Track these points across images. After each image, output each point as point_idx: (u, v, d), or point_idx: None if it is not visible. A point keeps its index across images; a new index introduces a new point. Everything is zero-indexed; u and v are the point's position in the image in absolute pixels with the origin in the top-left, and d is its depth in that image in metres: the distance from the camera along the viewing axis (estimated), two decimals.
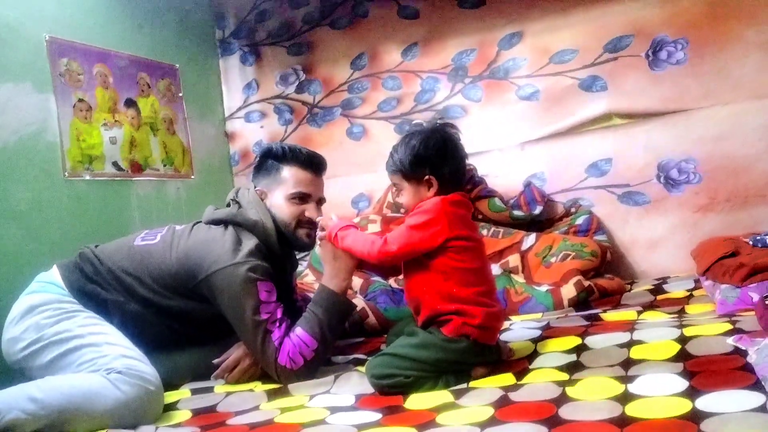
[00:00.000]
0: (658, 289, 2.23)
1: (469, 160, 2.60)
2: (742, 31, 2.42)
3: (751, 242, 2.13)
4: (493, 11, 2.77)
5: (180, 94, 2.94)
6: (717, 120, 2.45)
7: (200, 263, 1.68)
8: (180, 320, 1.76)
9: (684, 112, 2.50)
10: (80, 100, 2.44)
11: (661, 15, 2.52)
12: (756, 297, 1.74)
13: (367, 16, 3.01)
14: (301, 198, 1.81)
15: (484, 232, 2.57)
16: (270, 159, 1.84)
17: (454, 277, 1.52)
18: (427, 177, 1.57)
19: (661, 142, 2.54)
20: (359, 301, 2.21)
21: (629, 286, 2.36)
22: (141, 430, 1.42)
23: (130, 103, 2.67)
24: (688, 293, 2.13)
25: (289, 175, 1.81)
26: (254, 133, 3.20)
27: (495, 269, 2.35)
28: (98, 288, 1.74)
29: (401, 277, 2.35)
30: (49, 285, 1.74)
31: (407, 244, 1.52)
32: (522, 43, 2.74)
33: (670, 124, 2.52)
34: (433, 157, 1.57)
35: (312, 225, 1.81)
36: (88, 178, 2.43)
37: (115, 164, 2.55)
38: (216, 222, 1.78)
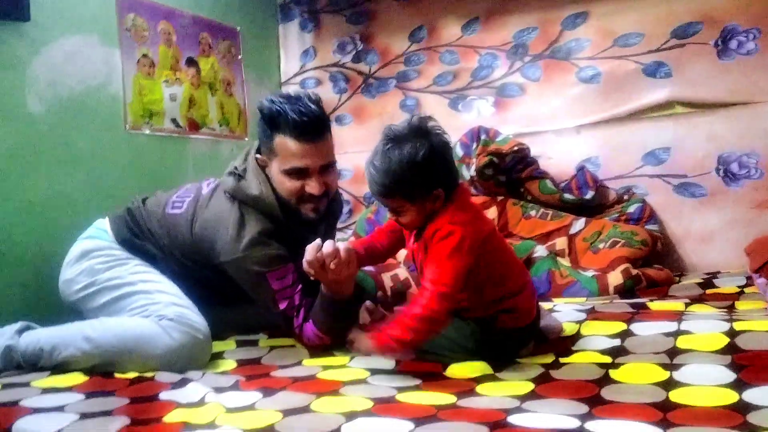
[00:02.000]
0: (707, 283, 2.18)
1: (523, 140, 2.63)
2: None
3: None
4: None
5: (239, 57, 2.98)
6: None
7: (211, 248, 1.65)
8: (222, 281, 1.71)
9: (750, 105, 2.42)
10: (144, 56, 2.49)
11: (734, 3, 2.44)
12: None
13: None
14: (299, 172, 1.62)
15: (533, 213, 2.55)
16: (263, 122, 1.65)
17: (488, 285, 1.43)
18: (436, 192, 1.39)
19: (723, 134, 2.46)
20: (403, 271, 2.22)
21: (678, 278, 2.32)
22: (189, 374, 1.47)
23: (191, 62, 2.71)
24: (739, 289, 2.08)
25: (281, 147, 1.61)
26: None
27: (541, 251, 2.33)
28: (144, 243, 1.77)
29: None
30: (102, 232, 1.80)
31: (455, 276, 1.35)
32: (586, 24, 2.68)
33: (734, 117, 2.44)
34: (441, 169, 1.38)
35: (317, 199, 1.65)
36: (147, 132, 2.49)
37: (173, 121, 2.60)
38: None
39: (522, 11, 2.80)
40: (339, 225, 3.08)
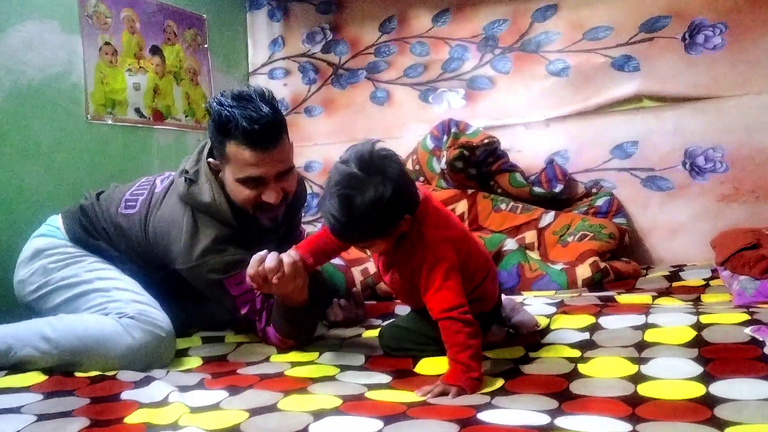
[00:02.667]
0: (674, 276, 2.21)
1: (493, 133, 2.63)
2: None
3: None
4: None
5: (206, 46, 2.91)
6: (749, 110, 2.40)
7: (166, 253, 1.60)
8: (183, 281, 1.64)
9: (716, 99, 2.45)
10: (106, 44, 2.42)
11: None
12: None
13: None
14: (254, 181, 1.53)
15: (503, 206, 2.55)
16: (213, 126, 1.54)
17: (463, 282, 1.37)
18: (404, 219, 1.32)
19: (690, 128, 2.49)
20: (372, 265, 2.20)
21: (645, 271, 2.34)
22: (153, 373, 1.43)
23: (156, 51, 2.64)
24: (705, 282, 2.10)
25: (234, 155, 1.51)
26: (277, 90, 3.15)
27: (510, 244, 2.33)
28: (99, 242, 1.71)
29: None
30: (55, 230, 1.73)
31: (458, 292, 1.32)
32: (556, 17, 2.68)
33: (700, 111, 2.47)
34: (406, 199, 1.31)
35: (274, 207, 1.58)
36: (110, 122, 2.42)
37: (137, 111, 2.54)
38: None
39: (493, 3, 2.79)
40: (309, 218, 3.06)
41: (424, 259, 1.34)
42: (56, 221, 1.76)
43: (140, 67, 2.56)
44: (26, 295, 1.67)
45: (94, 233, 1.71)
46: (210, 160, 1.61)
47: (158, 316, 1.54)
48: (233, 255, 1.55)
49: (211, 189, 1.58)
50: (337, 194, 1.26)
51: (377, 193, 1.25)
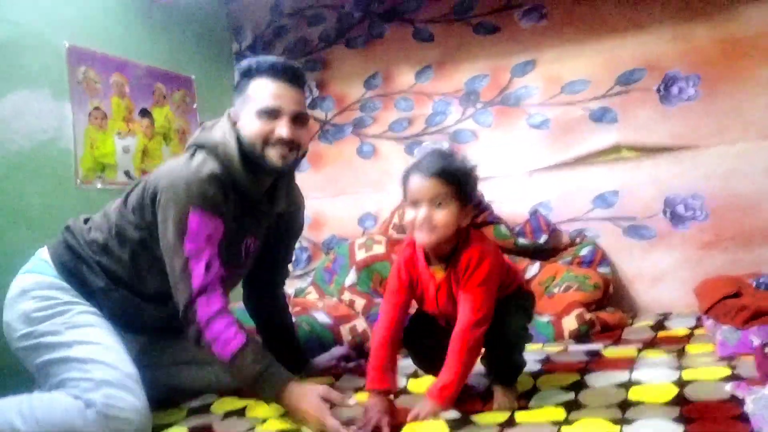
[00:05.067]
0: (659, 325, 2.23)
1: (478, 185, 2.67)
2: (755, 71, 2.44)
3: (754, 284, 2.14)
4: (507, 38, 2.79)
5: (194, 106, 2.98)
6: (725, 158, 2.47)
7: (154, 194, 1.59)
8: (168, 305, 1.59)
9: (693, 149, 2.52)
10: (96, 108, 2.47)
11: (675, 50, 2.54)
12: (757, 341, 1.74)
13: (382, 37, 3.04)
14: (270, 113, 1.59)
15: None
16: (241, 78, 1.65)
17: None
18: (472, 206, 1.47)
19: (668, 177, 2.55)
20: (361, 323, 2.22)
21: (631, 320, 2.37)
22: None
23: (145, 113, 2.70)
24: (690, 331, 2.13)
25: (257, 89, 1.61)
26: None
27: None
28: (82, 267, 1.67)
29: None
30: (42, 263, 1.70)
31: (488, 300, 1.45)
32: (535, 71, 2.76)
33: (678, 160, 2.53)
34: (475, 189, 1.51)
35: (285, 145, 1.60)
36: (99, 186, 2.46)
37: (127, 173, 2.58)
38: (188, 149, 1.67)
39: (472, 59, 2.87)
40: (298, 272, 3.09)
41: (472, 256, 1.43)
42: (43, 254, 1.73)
43: (129, 130, 2.61)
44: (13, 341, 1.65)
45: (80, 253, 1.67)
46: (231, 110, 1.68)
47: (127, 405, 1.48)
48: (214, 197, 1.54)
49: (224, 132, 1.62)
50: (435, 150, 1.51)
51: (470, 165, 1.47)
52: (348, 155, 3.11)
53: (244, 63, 1.66)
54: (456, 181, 1.41)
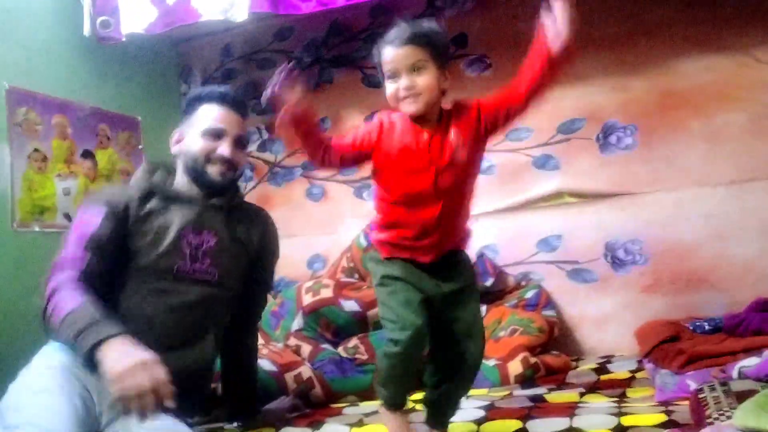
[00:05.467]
0: (602, 369, 2.26)
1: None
2: (689, 122, 2.55)
3: (691, 327, 2.20)
4: (454, 86, 2.85)
5: (140, 147, 2.94)
6: (663, 205, 2.55)
7: None
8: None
9: (632, 195, 2.60)
10: (36, 150, 2.42)
11: (613, 101, 2.64)
12: (693, 385, 1.78)
13: (332, 82, 3.07)
14: (214, 134, 1.71)
15: None
16: (188, 105, 1.79)
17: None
18: (450, 71, 1.45)
19: (609, 223, 2.62)
20: (306, 370, 2.18)
21: (575, 363, 2.39)
22: None
23: (88, 155, 2.65)
24: (631, 374, 2.16)
25: (205, 112, 1.74)
26: None
27: None
28: None
29: (350, 345, 2.37)
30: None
31: None
32: None
33: (618, 206, 2.61)
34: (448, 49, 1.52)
35: (225, 163, 1.71)
36: (37, 229, 2.39)
37: (67, 216, 2.51)
38: None
39: None
40: None
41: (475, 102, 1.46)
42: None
43: (71, 171, 2.55)
44: None
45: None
46: (177, 132, 1.78)
47: None
48: (112, 195, 1.66)
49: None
50: (400, 21, 1.41)
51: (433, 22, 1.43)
52: (297, 197, 3.11)
53: (195, 90, 1.82)
54: (429, 44, 1.39)
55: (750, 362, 1.72)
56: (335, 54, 3.06)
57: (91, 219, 1.60)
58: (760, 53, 2.47)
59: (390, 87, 1.41)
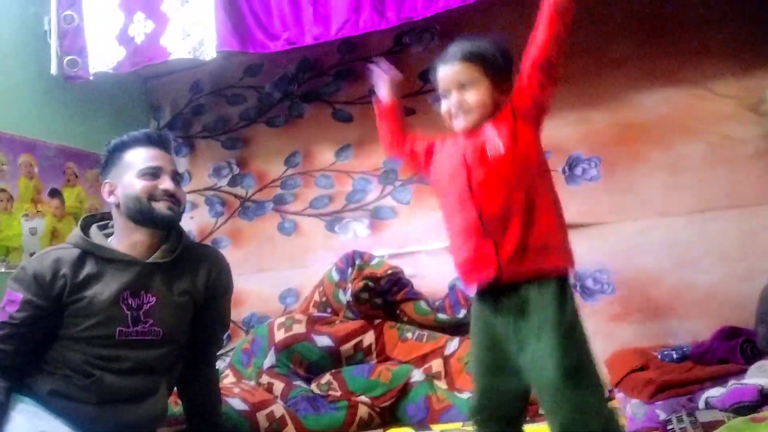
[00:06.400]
0: None
1: (396, 262, 2.72)
2: (650, 153, 2.61)
3: (659, 356, 2.23)
4: (422, 120, 2.90)
5: None
6: (627, 234, 2.60)
7: None
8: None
9: (598, 225, 2.65)
10: (1, 190, 2.39)
11: (577, 134, 2.70)
12: (662, 415, 1.81)
13: (302, 116, 3.10)
14: (152, 173, 1.71)
15: (409, 335, 2.59)
16: (110, 154, 1.76)
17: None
18: (509, 84, 1.39)
19: (577, 252, 2.61)
20: (279, 408, 2.17)
21: None
22: None
23: (55, 193, 2.62)
24: None
25: (135, 156, 1.73)
26: (184, 223, 3.13)
27: (417, 375, 2.36)
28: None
29: (323, 381, 2.36)
30: None
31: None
32: None
33: (585, 236, 2.65)
34: (512, 70, 1.43)
35: (170, 197, 1.71)
36: (3, 270, 2.35)
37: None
38: None
39: None
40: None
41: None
42: None
43: (38, 211, 2.53)
44: None
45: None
46: (106, 181, 1.74)
47: None
48: (35, 277, 1.59)
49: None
50: (460, 37, 1.41)
51: (501, 42, 1.41)
52: (269, 232, 3.10)
53: (114, 141, 1.77)
54: (481, 60, 1.38)
55: (716, 392, 1.75)
56: (305, 89, 3.09)
57: (12, 301, 1.59)
58: (715, 86, 2.56)
59: (443, 104, 1.43)
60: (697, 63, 2.58)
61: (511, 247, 1.32)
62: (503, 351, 1.35)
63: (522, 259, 1.32)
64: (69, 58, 2.59)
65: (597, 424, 1.24)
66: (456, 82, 1.39)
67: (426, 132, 2.85)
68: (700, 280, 2.51)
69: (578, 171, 2.69)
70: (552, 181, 1.46)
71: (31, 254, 2.45)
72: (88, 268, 1.63)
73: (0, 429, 1.48)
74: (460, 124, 1.41)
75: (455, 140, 1.47)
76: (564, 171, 2.70)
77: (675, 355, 2.19)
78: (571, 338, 1.28)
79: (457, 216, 1.41)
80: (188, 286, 1.75)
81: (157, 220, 1.70)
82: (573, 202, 2.67)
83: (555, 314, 1.29)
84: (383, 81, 1.61)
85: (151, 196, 1.69)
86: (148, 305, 1.68)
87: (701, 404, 1.75)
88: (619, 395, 2.13)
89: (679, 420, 1.64)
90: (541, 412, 1.37)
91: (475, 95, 1.38)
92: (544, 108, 1.40)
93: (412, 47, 2.93)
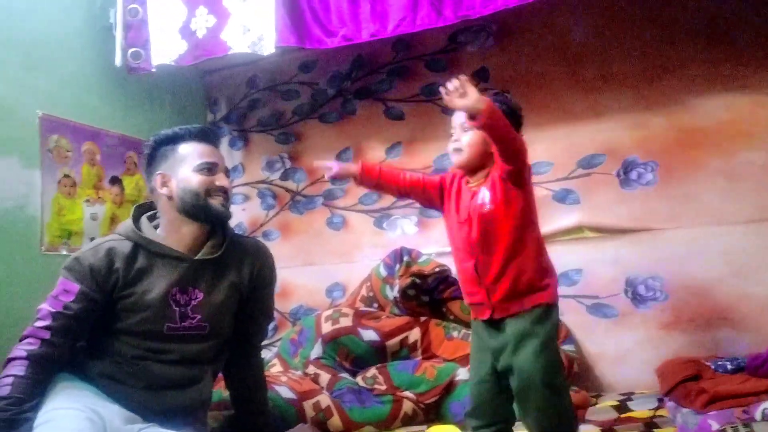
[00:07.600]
0: (622, 406, 2.25)
1: (443, 260, 2.72)
2: (708, 160, 2.56)
3: (713, 366, 2.18)
4: None
5: None
6: (682, 241, 2.55)
7: None
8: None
9: (651, 231, 2.60)
10: (66, 176, 2.48)
11: (633, 138, 2.66)
12: (715, 425, 1.77)
13: (355, 114, 3.13)
14: (209, 168, 1.71)
15: (455, 333, 2.59)
16: (162, 146, 1.74)
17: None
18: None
19: (629, 258, 2.62)
20: (325, 398, 2.19)
21: (595, 399, 2.38)
22: None
23: (115, 181, 2.71)
24: (652, 413, 2.15)
25: (189, 151, 1.71)
26: (236, 215, 3.22)
27: (463, 374, 2.35)
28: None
29: (368, 375, 2.38)
30: None
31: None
32: None
33: (637, 242, 2.61)
34: (516, 126, 1.59)
35: (225, 193, 1.73)
36: (65, 252, 2.43)
37: (93, 240, 2.56)
38: None
39: (441, 137, 2.88)
40: (264, 342, 3.04)
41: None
42: None
43: (99, 197, 2.61)
44: None
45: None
46: (159, 173, 1.71)
47: None
48: (91, 266, 1.60)
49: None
50: None
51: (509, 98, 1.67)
52: (318, 226, 3.14)
53: (167, 132, 1.75)
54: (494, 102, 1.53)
55: None
56: (359, 86, 3.12)
57: (68, 291, 1.62)
58: None
59: (450, 143, 1.66)
60: (758, 68, 2.52)
61: (501, 294, 1.57)
62: (494, 362, 1.60)
63: (510, 302, 1.57)
64: (133, 50, 2.67)
65: (568, 422, 1.58)
66: (461, 125, 1.62)
67: None
68: (756, 291, 2.44)
69: (633, 175, 2.65)
70: (538, 230, 1.67)
71: (91, 239, 2.54)
72: (140, 262, 1.65)
73: None
74: (454, 160, 1.66)
75: (461, 188, 1.67)
76: (618, 174, 2.67)
77: (729, 366, 2.14)
78: (548, 350, 1.54)
79: (461, 265, 1.67)
80: (234, 280, 1.77)
81: (212, 215, 1.71)
82: (626, 206, 2.64)
83: (535, 332, 1.55)
84: (338, 175, 1.78)
85: (208, 192, 1.69)
86: (196, 301, 1.71)
87: (758, 416, 1.71)
88: (669, 404, 2.09)
89: (734, 430, 1.60)
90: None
91: (470, 137, 1.60)
92: (522, 174, 1.60)
93: (467, 46, 2.93)
